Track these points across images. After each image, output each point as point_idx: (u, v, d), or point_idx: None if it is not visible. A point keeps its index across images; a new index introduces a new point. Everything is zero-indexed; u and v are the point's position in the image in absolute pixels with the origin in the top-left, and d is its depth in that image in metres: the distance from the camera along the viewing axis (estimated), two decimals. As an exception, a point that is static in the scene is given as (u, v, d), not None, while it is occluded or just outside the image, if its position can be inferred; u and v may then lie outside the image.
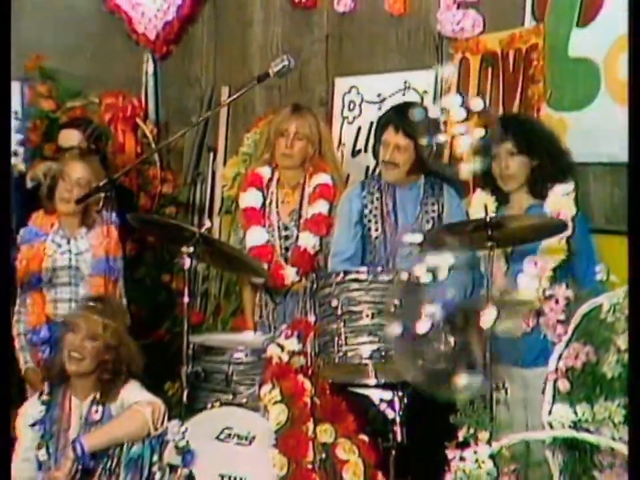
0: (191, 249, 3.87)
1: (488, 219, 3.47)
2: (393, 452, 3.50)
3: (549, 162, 3.81)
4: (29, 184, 4.79)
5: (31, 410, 3.78)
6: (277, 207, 4.55)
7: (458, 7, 4.80)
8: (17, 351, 4.32)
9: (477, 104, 4.30)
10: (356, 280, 3.57)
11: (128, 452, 3.55)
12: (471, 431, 2.72)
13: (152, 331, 5.10)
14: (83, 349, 3.68)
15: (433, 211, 4.17)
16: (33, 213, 4.45)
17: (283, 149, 4.45)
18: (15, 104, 5.70)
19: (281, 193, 4.55)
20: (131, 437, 3.57)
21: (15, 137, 5.67)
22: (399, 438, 3.52)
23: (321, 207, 4.46)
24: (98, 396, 3.72)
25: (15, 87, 5.70)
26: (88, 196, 4.29)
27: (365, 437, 3.46)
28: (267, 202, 4.56)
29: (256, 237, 4.51)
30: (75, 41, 5.88)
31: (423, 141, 3.99)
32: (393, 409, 3.55)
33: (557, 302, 2.82)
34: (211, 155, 5.89)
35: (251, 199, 4.58)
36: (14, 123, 5.67)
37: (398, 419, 3.53)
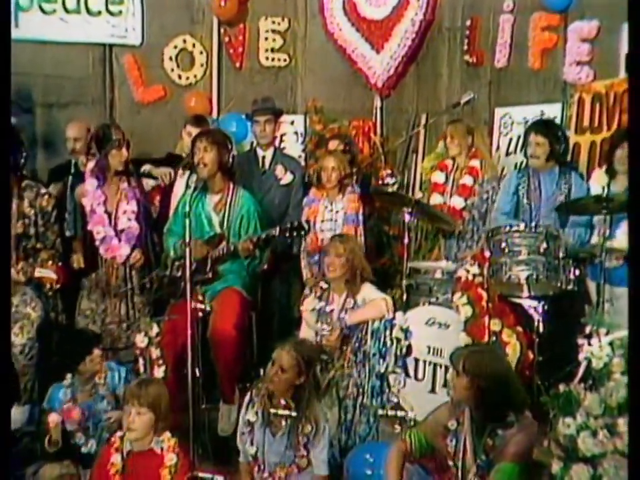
0: (409, 209, 3.83)
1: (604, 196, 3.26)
2: (537, 339, 3.35)
3: None
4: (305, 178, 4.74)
5: (310, 301, 3.82)
6: (453, 181, 4.39)
7: (577, 64, 4.57)
8: (303, 268, 4.34)
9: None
10: (517, 231, 3.43)
11: (371, 326, 3.56)
12: (594, 327, 2.55)
13: (378, 259, 5.05)
14: (335, 263, 3.68)
15: (565, 188, 3.91)
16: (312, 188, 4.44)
17: (447, 144, 4.42)
18: (301, 127, 5.73)
19: (457, 174, 4.39)
20: (373, 318, 3.57)
21: (300, 146, 5.70)
22: (540, 330, 3.38)
23: (467, 180, 4.31)
24: (349, 293, 3.72)
25: (301, 118, 5.74)
26: (345, 177, 4.30)
27: (520, 328, 3.34)
28: (448, 180, 4.42)
29: (436, 199, 4.43)
30: (333, 89, 5.81)
31: (555, 140, 3.93)
32: (537, 312, 3.40)
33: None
34: (414, 154, 5.71)
35: (436, 177, 4.50)
36: (299, 138, 5.75)
37: (540, 319, 3.39)
